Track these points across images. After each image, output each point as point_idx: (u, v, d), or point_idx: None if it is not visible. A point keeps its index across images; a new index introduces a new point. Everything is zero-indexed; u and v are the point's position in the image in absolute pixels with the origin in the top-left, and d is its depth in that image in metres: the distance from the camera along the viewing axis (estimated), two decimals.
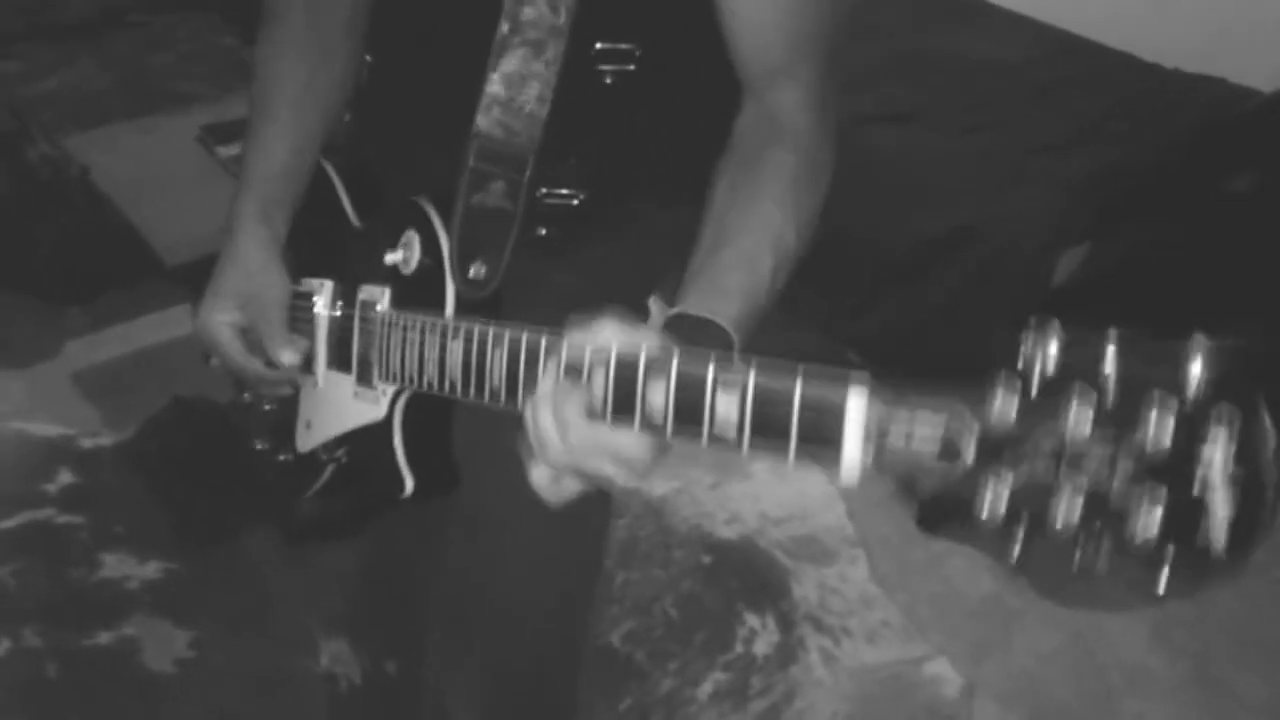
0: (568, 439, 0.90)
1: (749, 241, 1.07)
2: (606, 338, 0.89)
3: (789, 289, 2.66)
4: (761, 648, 2.00)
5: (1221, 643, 2.06)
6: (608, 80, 1.19)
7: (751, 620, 2.05)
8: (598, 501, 1.28)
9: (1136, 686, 1.99)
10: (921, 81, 2.84)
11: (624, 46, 1.17)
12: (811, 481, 2.37)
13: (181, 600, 2.02)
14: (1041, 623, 2.09)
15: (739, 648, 2.00)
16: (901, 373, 0.76)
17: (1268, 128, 2.58)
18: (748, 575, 2.14)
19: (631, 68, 1.19)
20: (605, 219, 1.24)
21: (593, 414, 0.90)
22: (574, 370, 0.91)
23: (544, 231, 1.23)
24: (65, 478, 2.24)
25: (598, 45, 1.17)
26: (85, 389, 2.52)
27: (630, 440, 0.90)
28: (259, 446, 1.39)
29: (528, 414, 0.94)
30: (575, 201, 1.23)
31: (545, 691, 1.32)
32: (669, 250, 1.13)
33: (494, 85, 1.15)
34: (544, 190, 1.22)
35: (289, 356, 1.23)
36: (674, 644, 2.00)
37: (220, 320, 1.27)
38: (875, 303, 2.59)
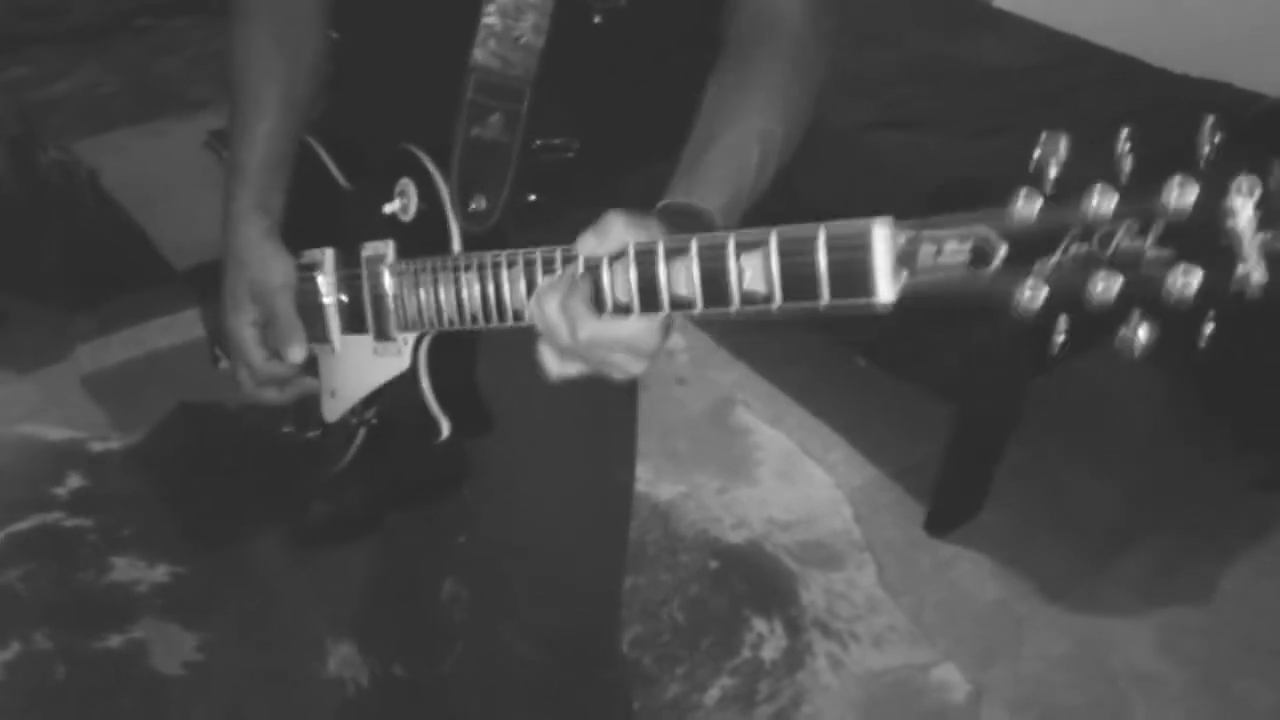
0: (577, 334, 0.92)
1: (735, 134, 1.08)
2: (619, 235, 0.91)
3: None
4: (769, 653, 2.00)
5: (1229, 649, 2.06)
6: (597, 19, 1.19)
7: (759, 625, 2.05)
8: (621, 453, 1.32)
9: (1144, 692, 1.99)
10: (931, 87, 2.85)
11: None
12: (818, 486, 2.37)
13: (190, 603, 2.03)
14: (1049, 628, 2.09)
15: (746, 652, 2.00)
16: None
17: (1275, 132, 2.58)
18: (755, 580, 2.14)
19: (622, 3, 1.19)
20: (596, 179, 1.24)
21: (604, 307, 0.91)
22: (593, 272, 0.93)
23: (533, 198, 1.23)
24: (75, 481, 2.25)
25: None
26: (95, 392, 2.53)
27: (639, 327, 0.92)
28: (286, 430, 1.39)
29: (533, 306, 0.95)
30: (569, 154, 1.23)
31: (587, 644, 1.35)
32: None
33: (490, 17, 1.15)
34: (538, 142, 1.22)
35: (296, 354, 1.24)
36: (681, 648, 2.00)
37: (243, 322, 1.27)
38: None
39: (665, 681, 1.95)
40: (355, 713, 1.87)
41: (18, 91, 3.38)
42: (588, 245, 0.92)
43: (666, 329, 0.94)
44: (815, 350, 2.64)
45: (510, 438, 1.14)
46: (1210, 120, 0.66)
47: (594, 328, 0.91)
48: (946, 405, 2.25)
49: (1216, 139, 0.66)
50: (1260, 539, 2.28)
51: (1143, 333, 0.69)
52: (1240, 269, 0.65)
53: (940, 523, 2.28)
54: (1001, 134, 2.65)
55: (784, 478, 2.39)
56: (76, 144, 3.12)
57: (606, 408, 1.27)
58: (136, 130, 3.43)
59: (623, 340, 0.92)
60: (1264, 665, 2.04)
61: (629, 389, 1.31)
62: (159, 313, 2.68)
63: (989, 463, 2.26)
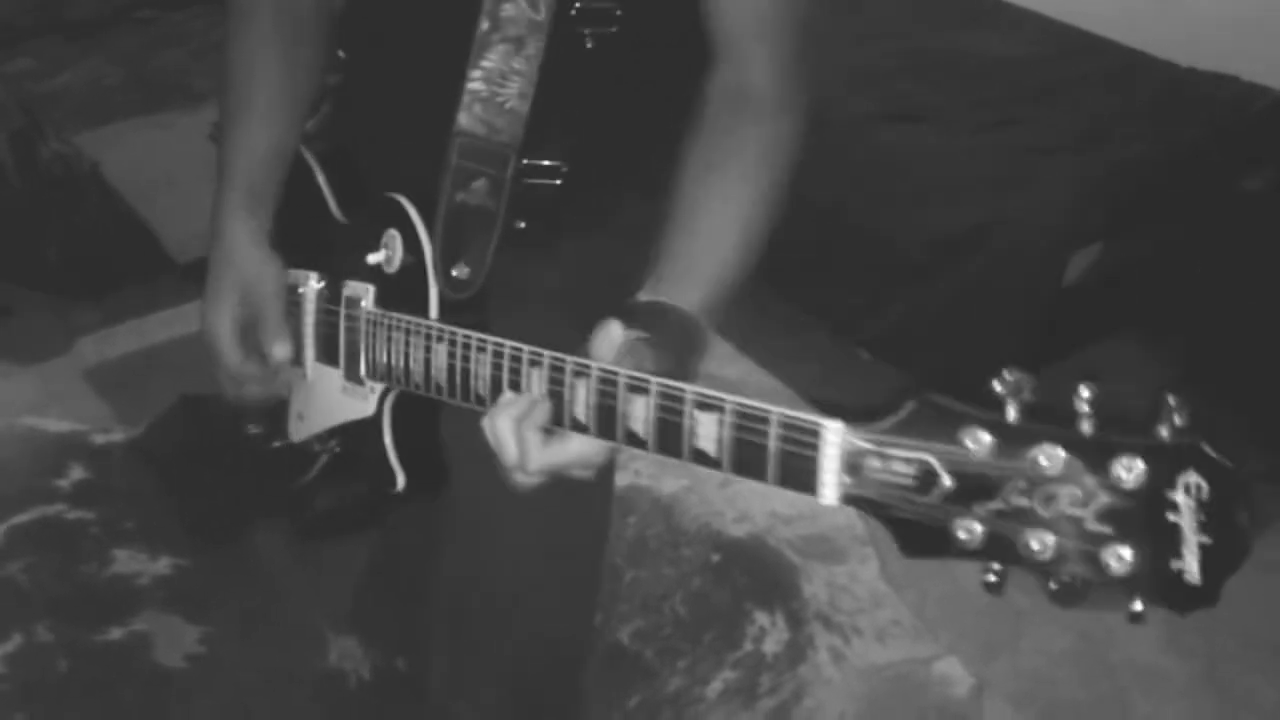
0: (527, 465, 0.95)
1: (717, 221, 1.08)
2: (617, 343, 0.93)
3: (799, 289, 2.65)
4: (771, 646, 2.00)
5: (1232, 645, 2.06)
6: (589, 44, 1.19)
7: (761, 618, 2.05)
8: (599, 497, 1.29)
9: (1147, 687, 1.99)
10: (933, 80, 2.84)
11: (604, 5, 1.16)
12: None
13: (192, 596, 2.03)
14: (1052, 623, 2.08)
15: (748, 646, 2.00)
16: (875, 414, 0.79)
17: (1278, 128, 2.57)
18: (757, 573, 2.14)
19: (613, 29, 1.18)
20: (584, 207, 1.23)
21: (561, 423, 0.94)
22: (555, 386, 0.94)
23: (523, 225, 1.23)
24: (77, 473, 2.25)
25: (578, 5, 1.16)
26: (97, 385, 2.53)
27: (587, 447, 0.94)
28: (253, 430, 1.39)
29: (485, 424, 0.97)
30: (557, 180, 1.23)
31: (549, 688, 1.32)
32: (650, 245, 1.13)
33: (475, 82, 1.14)
34: (525, 162, 1.20)
35: (281, 350, 1.23)
36: (683, 642, 2.00)
37: (224, 319, 1.26)
38: (886, 301, 2.59)
39: (666, 675, 1.95)
40: (357, 705, 1.87)
41: (20, 83, 3.38)
42: (600, 351, 0.94)
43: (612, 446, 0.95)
44: (820, 345, 2.64)
45: (480, 477, 1.14)
46: (1172, 400, 0.68)
47: (543, 458, 0.94)
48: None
49: (1177, 420, 0.67)
50: (1263, 534, 2.27)
51: (1073, 596, 0.72)
52: (1174, 564, 0.67)
53: (913, 546, 2.27)
54: (1005, 128, 2.64)
55: None
56: (78, 136, 3.12)
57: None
58: (139, 122, 3.43)
59: (571, 461, 0.95)
60: (1266, 661, 2.03)
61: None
62: (161, 306, 2.67)
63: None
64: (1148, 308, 2.57)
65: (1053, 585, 0.72)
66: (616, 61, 1.19)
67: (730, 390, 0.85)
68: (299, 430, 1.32)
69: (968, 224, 2.46)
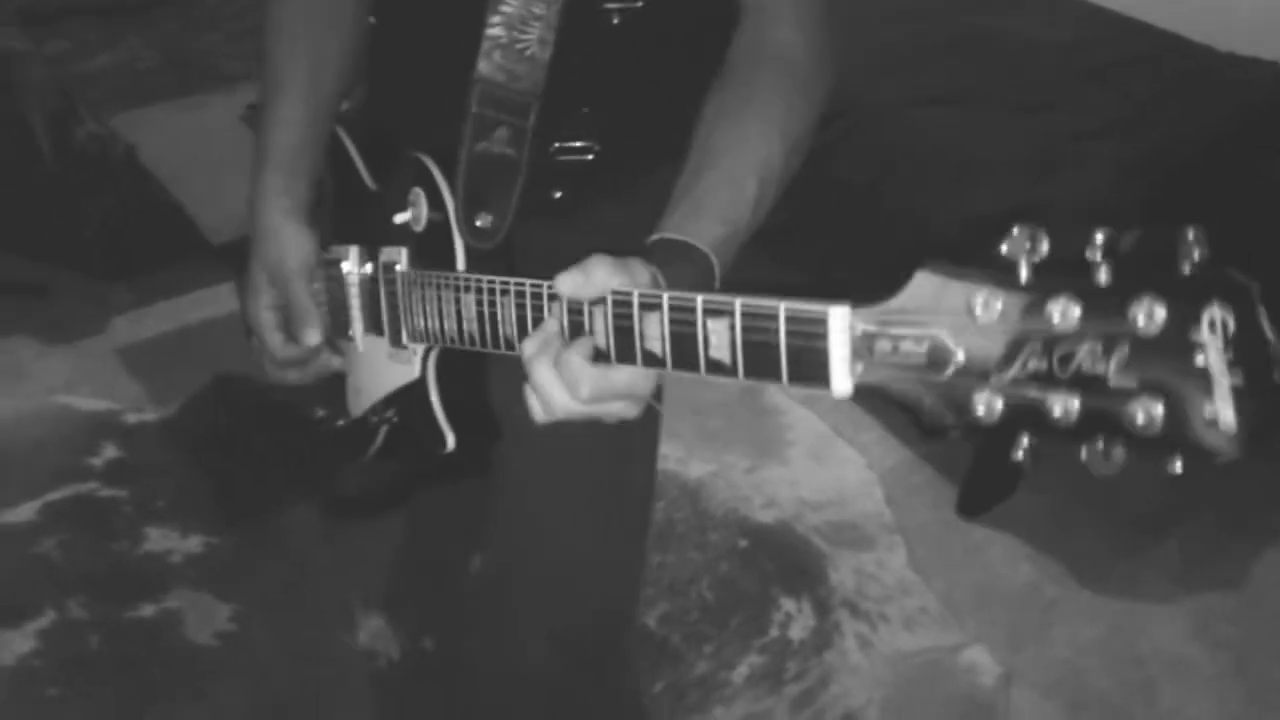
0: (579, 393, 0.91)
1: (732, 163, 1.06)
2: (601, 279, 0.90)
3: (830, 271, 2.64)
4: (797, 632, 2.00)
5: (1262, 635, 2.04)
6: (615, 20, 1.18)
7: (787, 604, 2.04)
8: (643, 460, 1.30)
9: (1176, 677, 1.97)
10: (971, 63, 2.81)
11: None
12: (850, 467, 2.36)
13: (223, 574, 2.05)
14: (1080, 612, 2.07)
15: (774, 631, 2.00)
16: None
17: None
18: (784, 559, 2.14)
19: (639, 4, 1.17)
20: (619, 177, 1.23)
21: (598, 357, 0.91)
22: (574, 315, 0.93)
23: (558, 195, 1.22)
24: (110, 452, 2.28)
25: None
26: (130, 365, 2.55)
27: (635, 372, 0.91)
28: (319, 414, 1.40)
29: (527, 371, 0.95)
30: (589, 155, 1.22)
31: (601, 648, 1.33)
32: None
33: (494, 28, 1.14)
34: (557, 145, 1.20)
35: (312, 336, 1.24)
36: (710, 627, 2.00)
37: (260, 306, 1.27)
38: None
39: (693, 659, 1.95)
40: (385, 684, 1.89)
41: (57, 65, 3.41)
42: (568, 284, 0.91)
43: (661, 376, 0.93)
44: None
45: (528, 438, 1.15)
46: (1192, 233, 0.61)
47: (595, 381, 0.91)
48: None
49: (1195, 255, 0.61)
50: None
51: (1108, 461, 0.65)
52: (1207, 409, 0.61)
53: (972, 505, 2.26)
54: (1042, 112, 2.62)
55: (815, 458, 2.38)
56: (115, 118, 3.14)
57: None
58: (174, 105, 3.46)
59: (621, 388, 0.92)
60: None
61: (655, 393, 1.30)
62: (195, 286, 2.70)
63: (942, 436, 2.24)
64: None
65: (1083, 454, 0.65)
66: (643, 37, 1.19)
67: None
68: (357, 404, 1.33)
69: (1003, 207, 2.44)
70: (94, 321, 2.67)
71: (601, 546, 1.27)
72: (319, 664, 1.92)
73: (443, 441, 1.18)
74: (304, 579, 2.05)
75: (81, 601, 1.97)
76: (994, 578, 2.14)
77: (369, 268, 1.24)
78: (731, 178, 1.05)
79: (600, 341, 0.91)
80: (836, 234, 2.44)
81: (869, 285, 0.76)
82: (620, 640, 1.38)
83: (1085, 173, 2.43)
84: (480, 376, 1.20)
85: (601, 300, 0.90)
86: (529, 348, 0.94)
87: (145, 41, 3.83)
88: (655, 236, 1.01)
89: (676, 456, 2.31)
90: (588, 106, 1.20)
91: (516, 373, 1.04)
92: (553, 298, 0.94)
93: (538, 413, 0.95)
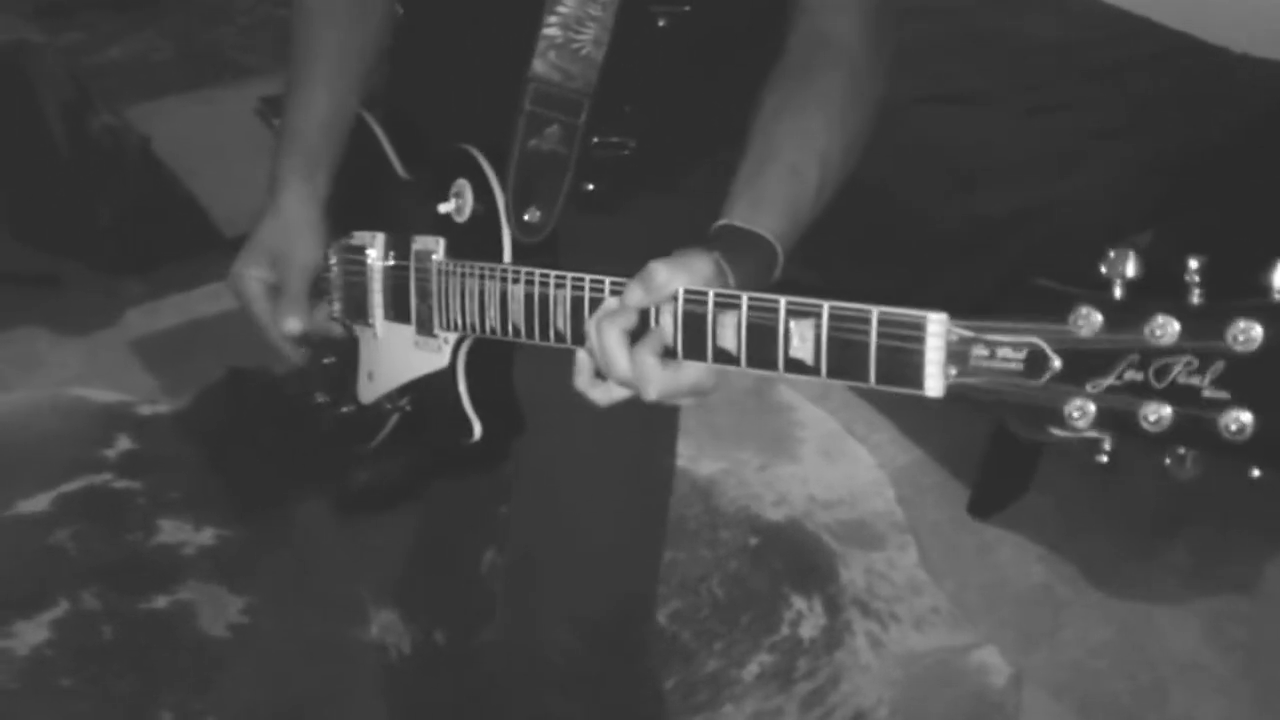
0: (648, 394, 0.93)
1: (795, 155, 1.06)
2: (663, 283, 0.91)
3: (840, 269, 2.63)
4: (808, 631, 2.00)
5: (1273, 637, 2.04)
6: (661, 22, 1.18)
7: (798, 603, 2.05)
8: (664, 447, 1.32)
9: (1187, 679, 1.97)
10: (983, 62, 2.81)
11: None
12: (862, 466, 2.36)
13: (236, 566, 2.05)
14: (1092, 614, 2.07)
15: (785, 630, 2.00)
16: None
17: None
18: (795, 558, 2.14)
19: (686, 8, 1.18)
20: (655, 172, 1.23)
21: (666, 354, 0.92)
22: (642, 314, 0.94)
23: (591, 187, 1.23)
24: (124, 444, 2.28)
25: None
26: (144, 357, 2.56)
27: (703, 369, 0.93)
28: (320, 400, 1.40)
29: (591, 331, 0.96)
30: (625, 151, 1.23)
31: (622, 633, 1.34)
32: (718, 207, 1.14)
33: (550, 28, 1.14)
34: (596, 139, 1.21)
35: (293, 325, 1.24)
36: (720, 624, 2.01)
37: (251, 274, 1.27)
38: (928, 283, 2.57)
39: (703, 657, 1.95)
40: (397, 678, 1.89)
41: (71, 56, 3.41)
42: (635, 297, 0.92)
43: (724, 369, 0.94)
44: None
45: (553, 424, 1.15)
46: None
47: (664, 382, 0.92)
48: None
49: None
50: None
51: (1189, 467, 0.69)
52: None
53: (984, 505, 2.26)
54: (1054, 112, 2.61)
55: (827, 456, 2.38)
56: (129, 109, 3.15)
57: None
58: (188, 97, 3.46)
59: (688, 387, 0.94)
60: None
61: None
62: (208, 279, 2.70)
63: (1035, 445, 2.24)
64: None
65: (1168, 460, 0.69)
66: (688, 40, 1.19)
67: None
68: (369, 391, 1.33)
69: (1015, 207, 2.43)
70: (107, 313, 2.68)
71: (624, 531, 1.28)
72: (330, 657, 1.93)
73: (470, 431, 1.18)
74: (316, 572, 2.06)
75: (95, 592, 1.97)
76: (1005, 578, 2.15)
77: (396, 255, 1.25)
78: (794, 168, 1.05)
79: (668, 338, 0.92)
80: (845, 232, 2.44)
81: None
82: (642, 625, 1.40)
83: (1097, 174, 2.43)
84: (507, 367, 1.21)
85: (672, 299, 0.91)
86: (605, 308, 0.95)
87: (160, 33, 3.84)
88: (721, 222, 1.02)
89: (688, 454, 2.31)
90: (629, 105, 1.20)
91: (541, 368, 1.05)
92: (615, 293, 0.96)
93: (583, 383, 0.97)
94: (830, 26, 1.13)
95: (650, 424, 1.26)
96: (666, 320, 0.92)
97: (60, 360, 2.54)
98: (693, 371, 0.93)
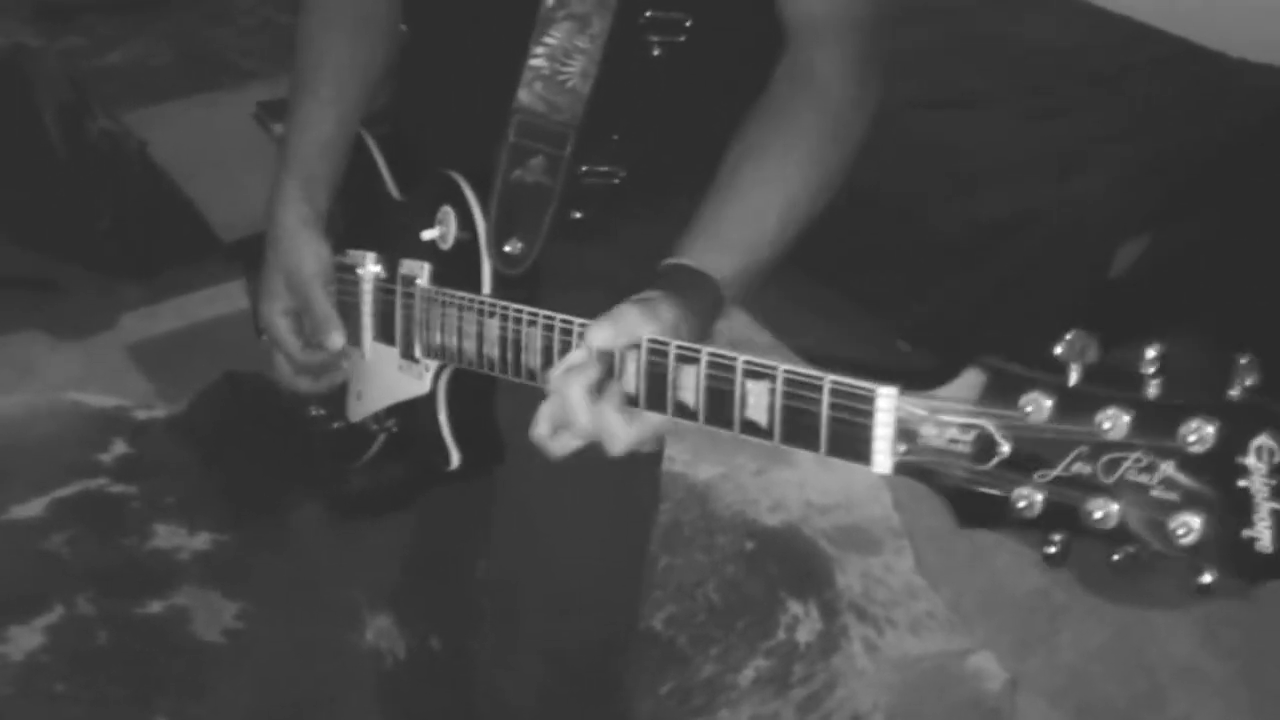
0: (614, 449, 0.93)
1: (758, 197, 1.06)
2: (632, 327, 0.91)
3: (838, 274, 2.63)
4: (804, 635, 2.00)
5: (1270, 643, 2.03)
6: (655, 52, 1.17)
7: (794, 607, 2.04)
8: (646, 483, 1.29)
9: (1184, 685, 1.97)
10: (983, 66, 2.81)
11: (674, 16, 1.15)
12: (858, 471, 2.34)
13: (231, 572, 2.05)
14: (1088, 619, 2.07)
15: (781, 635, 2.00)
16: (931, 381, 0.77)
17: None
18: (791, 562, 2.14)
19: (681, 39, 1.17)
20: (643, 202, 1.22)
21: (627, 403, 0.92)
22: (605, 359, 0.93)
23: (579, 215, 1.22)
24: (119, 448, 2.28)
25: (647, 14, 1.15)
26: (140, 361, 2.56)
27: (666, 420, 0.92)
28: (314, 413, 1.40)
29: (555, 384, 0.95)
30: (615, 180, 1.22)
31: (595, 670, 1.33)
32: None
33: (537, 59, 1.13)
34: (584, 168, 1.20)
35: (336, 339, 1.24)
36: (716, 629, 2.00)
37: (276, 309, 1.27)
38: (928, 286, 2.57)
39: (699, 662, 1.95)
40: (392, 684, 1.89)
41: (70, 60, 3.41)
42: (600, 336, 0.92)
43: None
44: (861, 334, 2.63)
45: (533, 460, 1.15)
46: (1244, 360, 0.64)
47: (629, 436, 0.92)
48: None
49: (1248, 381, 0.63)
50: None
51: (1137, 567, 0.68)
52: (1245, 533, 0.63)
53: (970, 517, 2.25)
54: (1054, 116, 2.62)
55: (823, 462, 2.36)
56: (127, 114, 3.15)
57: None
58: (187, 101, 3.46)
59: (651, 434, 0.94)
60: None
61: None
62: (205, 284, 2.70)
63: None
64: (1195, 303, 2.53)
65: (1115, 556, 0.69)
66: (681, 70, 1.18)
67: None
68: (357, 410, 1.33)
69: (1014, 210, 2.44)
70: (104, 317, 2.68)
71: (602, 569, 1.26)
72: (325, 662, 1.92)
73: (447, 459, 1.18)
74: (311, 577, 2.05)
75: (90, 597, 1.97)
76: (1001, 583, 2.14)
77: (385, 277, 1.24)
78: (755, 211, 1.05)
79: (630, 388, 0.92)
80: (842, 236, 2.44)
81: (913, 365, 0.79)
82: (615, 663, 1.38)
83: (1095, 179, 2.43)
84: (489, 398, 1.20)
85: (635, 347, 0.91)
86: (558, 371, 0.95)
87: (159, 38, 3.84)
88: (671, 261, 1.02)
89: (684, 458, 2.31)
90: (618, 134, 1.19)
91: (524, 396, 1.04)
92: (583, 337, 0.95)
93: (542, 433, 0.96)
94: (811, 61, 1.12)
95: (632, 459, 1.26)
96: (630, 369, 0.92)
97: (56, 364, 2.54)
98: (654, 419, 0.93)
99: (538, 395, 1.01)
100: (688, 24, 1.16)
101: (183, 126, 3.26)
